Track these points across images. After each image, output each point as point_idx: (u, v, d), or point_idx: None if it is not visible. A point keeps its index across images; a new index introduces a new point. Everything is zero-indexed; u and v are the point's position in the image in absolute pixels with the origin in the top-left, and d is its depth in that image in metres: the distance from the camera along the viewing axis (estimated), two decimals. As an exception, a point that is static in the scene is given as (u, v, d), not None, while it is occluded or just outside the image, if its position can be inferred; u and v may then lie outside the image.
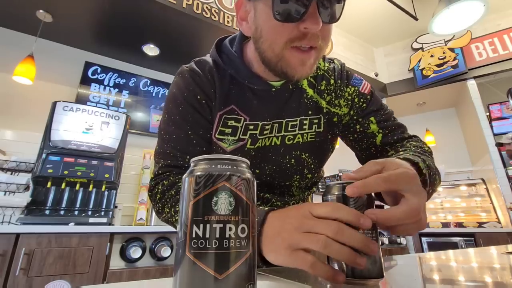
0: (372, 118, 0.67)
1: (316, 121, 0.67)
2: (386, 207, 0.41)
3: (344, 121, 0.69)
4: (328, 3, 0.50)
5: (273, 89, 0.63)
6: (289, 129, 0.65)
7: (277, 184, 0.67)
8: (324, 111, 0.67)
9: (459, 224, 3.54)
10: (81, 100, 2.61)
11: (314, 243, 0.33)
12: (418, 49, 4.04)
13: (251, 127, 0.62)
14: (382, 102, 0.72)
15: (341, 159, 4.61)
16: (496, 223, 3.32)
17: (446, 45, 3.84)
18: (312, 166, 0.69)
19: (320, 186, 3.64)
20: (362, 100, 0.68)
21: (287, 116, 0.65)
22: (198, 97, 0.61)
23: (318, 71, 0.69)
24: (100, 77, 2.79)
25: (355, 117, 0.68)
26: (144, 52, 2.83)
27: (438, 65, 3.79)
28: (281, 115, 0.64)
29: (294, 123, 0.65)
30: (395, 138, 0.66)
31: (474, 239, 3.18)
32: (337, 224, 0.33)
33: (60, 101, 2.10)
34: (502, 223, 3.30)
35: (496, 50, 3.51)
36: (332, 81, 0.68)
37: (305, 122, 0.66)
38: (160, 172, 0.62)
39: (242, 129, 0.62)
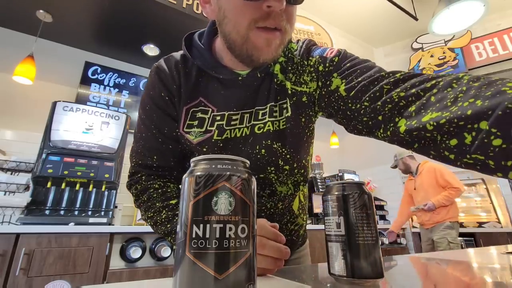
0: (334, 74, 0.58)
1: (285, 105, 0.62)
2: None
3: (317, 96, 0.62)
4: None
5: (240, 78, 0.61)
6: (259, 117, 0.62)
7: None
8: (289, 92, 0.62)
9: (460, 224, 3.54)
10: (81, 100, 2.61)
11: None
12: (418, 49, 4.04)
13: (218, 118, 0.61)
14: (350, 56, 0.60)
15: (341, 159, 4.62)
16: (496, 223, 3.33)
17: (446, 45, 3.84)
18: (288, 156, 0.63)
19: (320, 186, 3.64)
20: (327, 65, 0.59)
21: (258, 105, 0.62)
22: (162, 94, 0.62)
23: (290, 54, 0.65)
24: (100, 77, 2.79)
25: (324, 89, 0.60)
26: (144, 52, 2.83)
27: (438, 65, 3.79)
28: (251, 104, 0.62)
29: (264, 110, 0.62)
30: (364, 78, 0.52)
31: (474, 239, 3.19)
32: (260, 239, 0.42)
33: (60, 101, 2.10)
34: (502, 223, 3.30)
35: (496, 50, 3.52)
36: (295, 59, 0.64)
37: (275, 109, 0.62)
38: (133, 171, 0.66)
39: (210, 121, 0.61)
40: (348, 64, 0.57)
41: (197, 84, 0.63)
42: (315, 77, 0.61)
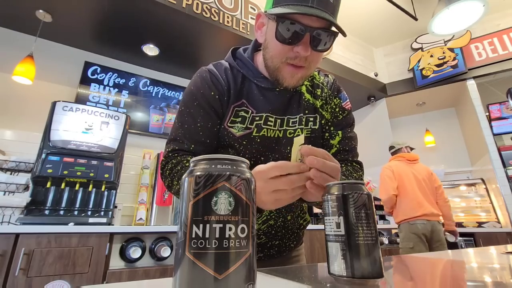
0: (339, 132, 0.81)
1: (312, 119, 0.79)
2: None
3: (324, 123, 0.82)
4: (319, 36, 0.63)
5: (277, 89, 0.75)
6: (290, 124, 0.76)
7: None
8: (319, 111, 0.80)
9: (459, 224, 3.54)
10: (81, 100, 2.61)
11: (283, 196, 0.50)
12: (417, 49, 4.04)
13: (257, 118, 0.73)
14: (353, 122, 0.86)
15: (341, 159, 4.63)
16: (495, 223, 3.33)
17: (445, 45, 3.84)
18: None
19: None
20: (340, 112, 0.82)
21: (289, 114, 0.77)
22: (212, 93, 0.73)
23: (315, 81, 0.83)
24: (100, 77, 2.79)
25: (329, 124, 0.81)
26: (144, 52, 2.82)
27: (438, 65, 3.79)
28: (283, 111, 0.76)
29: (294, 120, 0.77)
30: (342, 157, 0.80)
31: (474, 239, 3.19)
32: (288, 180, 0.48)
33: (59, 101, 2.09)
34: (501, 223, 3.31)
35: (495, 50, 3.52)
36: (326, 90, 0.83)
37: (303, 119, 0.78)
38: (169, 154, 0.73)
39: (249, 120, 0.73)
40: (348, 134, 0.81)
41: (241, 88, 0.76)
42: (332, 112, 0.82)
